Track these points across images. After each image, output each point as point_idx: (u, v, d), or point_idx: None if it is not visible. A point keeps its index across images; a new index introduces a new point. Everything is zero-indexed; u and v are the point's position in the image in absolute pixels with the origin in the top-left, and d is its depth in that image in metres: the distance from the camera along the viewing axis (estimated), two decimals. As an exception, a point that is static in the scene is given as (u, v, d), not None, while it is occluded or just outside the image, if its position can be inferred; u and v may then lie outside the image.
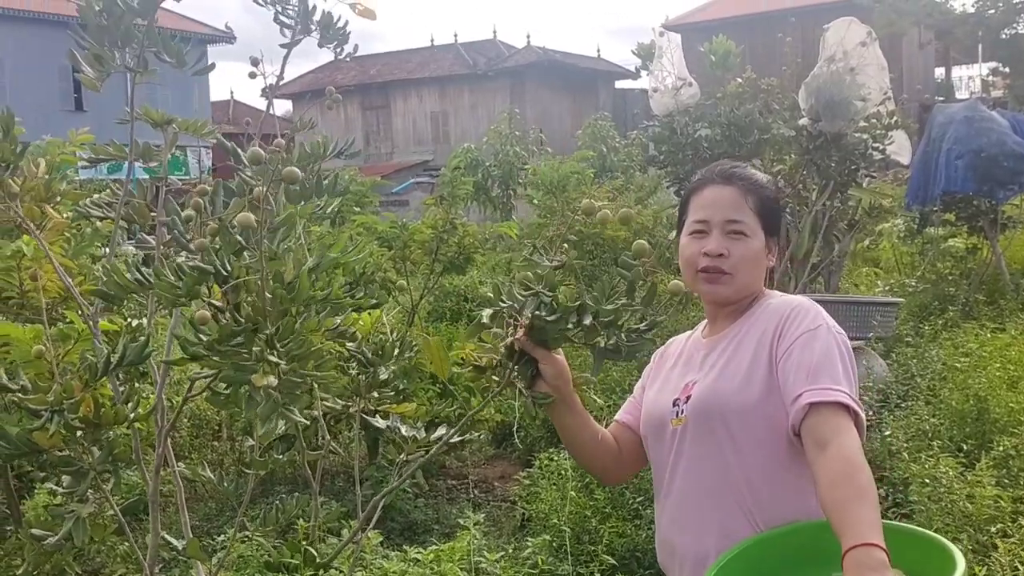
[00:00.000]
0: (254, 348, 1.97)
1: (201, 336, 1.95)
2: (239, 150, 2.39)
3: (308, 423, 2.25)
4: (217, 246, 2.09)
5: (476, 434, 5.03)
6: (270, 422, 1.97)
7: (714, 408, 2.00)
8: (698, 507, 2.03)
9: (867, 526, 1.63)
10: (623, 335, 1.99)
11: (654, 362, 2.30)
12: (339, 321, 2.38)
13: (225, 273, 2.01)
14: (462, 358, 2.21)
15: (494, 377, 2.13)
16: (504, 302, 2.05)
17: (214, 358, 1.98)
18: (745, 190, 2.10)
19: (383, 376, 2.66)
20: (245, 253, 2.06)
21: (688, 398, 2.06)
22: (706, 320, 2.21)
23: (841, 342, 1.95)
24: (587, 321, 1.97)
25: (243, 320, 1.96)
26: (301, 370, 2.00)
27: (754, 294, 2.11)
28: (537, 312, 2.00)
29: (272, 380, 1.92)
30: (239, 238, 2.06)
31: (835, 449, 1.76)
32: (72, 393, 2.18)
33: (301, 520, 3.06)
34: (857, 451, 1.77)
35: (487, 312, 2.10)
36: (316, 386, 2.28)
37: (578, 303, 2.00)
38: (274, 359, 1.94)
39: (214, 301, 2.06)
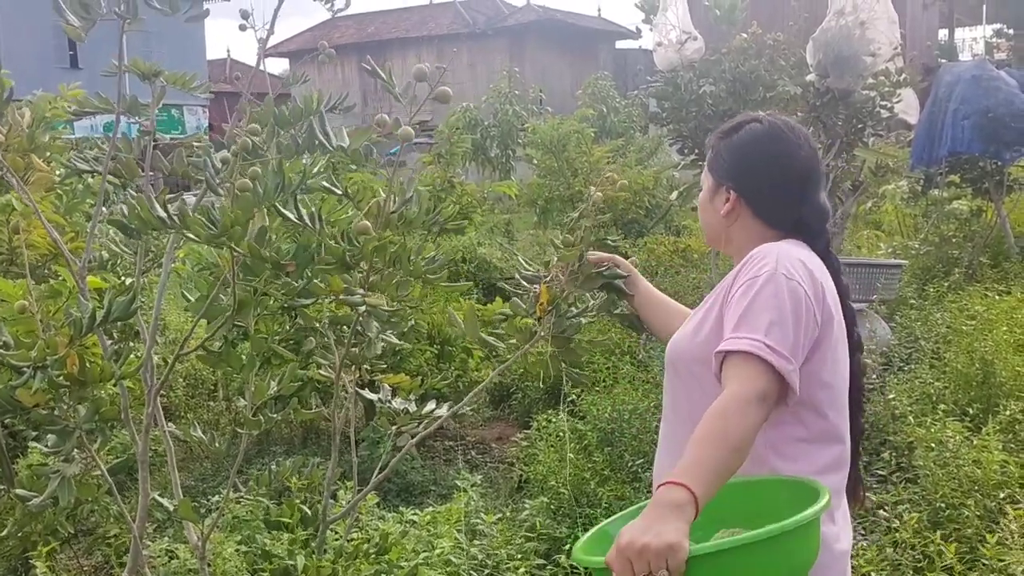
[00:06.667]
0: (357, 273, 2.24)
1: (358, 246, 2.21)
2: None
3: (405, 345, 2.50)
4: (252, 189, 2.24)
5: (472, 405, 5.00)
6: (377, 343, 2.34)
7: (672, 353, 2.04)
8: (666, 444, 2.08)
9: (689, 467, 1.58)
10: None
11: None
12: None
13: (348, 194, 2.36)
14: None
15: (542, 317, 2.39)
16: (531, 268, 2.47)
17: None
18: (712, 141, 2.14)
19: (377, 351, 2.62)
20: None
21: None
22: None
23: (789, 289, 1.79)
24: None
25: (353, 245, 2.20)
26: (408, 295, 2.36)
27: (729, 244, 2.09)
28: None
29: (382, 300, 2.19)
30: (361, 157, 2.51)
31: (722, 397, 1.68)
32: (56, 349, 2.11)
33: (295, 480, 3.01)
34: (736, 399, 1.66)
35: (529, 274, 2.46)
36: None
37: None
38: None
39: (236, 248, 2.11)
